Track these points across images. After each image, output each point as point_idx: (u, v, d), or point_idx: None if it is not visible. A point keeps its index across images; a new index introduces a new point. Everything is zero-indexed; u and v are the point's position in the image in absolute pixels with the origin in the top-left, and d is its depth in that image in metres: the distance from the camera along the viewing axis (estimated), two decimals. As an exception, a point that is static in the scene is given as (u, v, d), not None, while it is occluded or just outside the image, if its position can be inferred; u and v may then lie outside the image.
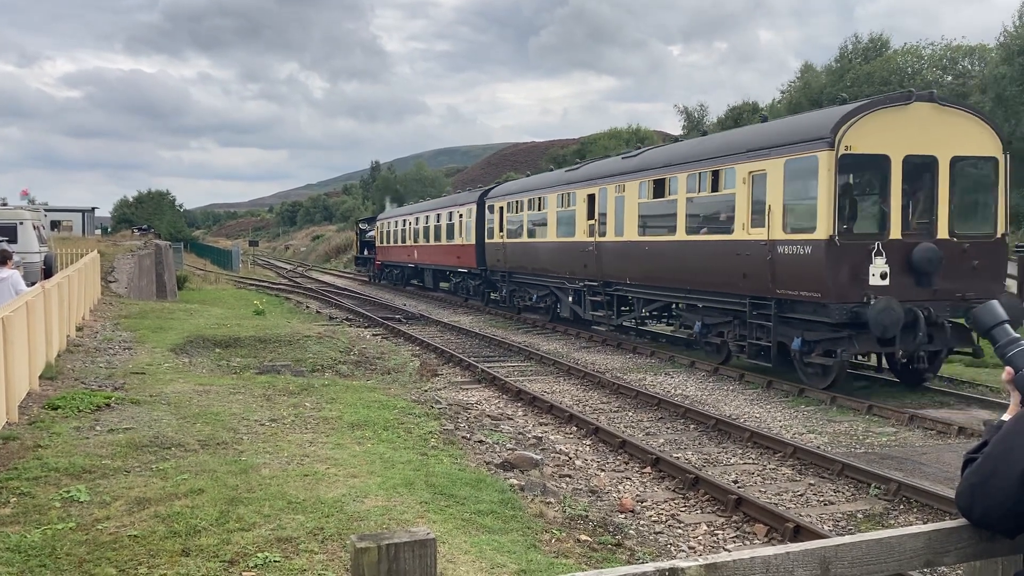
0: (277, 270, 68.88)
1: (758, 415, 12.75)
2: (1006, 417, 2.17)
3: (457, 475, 7.32)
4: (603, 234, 20.79)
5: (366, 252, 53.18)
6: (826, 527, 7.82)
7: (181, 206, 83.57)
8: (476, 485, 7.07)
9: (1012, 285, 21.29)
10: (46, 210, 37.34)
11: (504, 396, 14.11)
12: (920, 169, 13.66)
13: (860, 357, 15.51)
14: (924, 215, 13.89)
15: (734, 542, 7.58)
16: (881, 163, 13.37)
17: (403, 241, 41.77)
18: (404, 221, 41.73)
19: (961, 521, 2.17)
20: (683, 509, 8.44)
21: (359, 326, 24.26)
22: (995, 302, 2.29)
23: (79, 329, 15.65)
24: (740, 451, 10.65)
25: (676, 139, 24.09)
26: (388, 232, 45.09)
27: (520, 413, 12.83)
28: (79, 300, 16.30)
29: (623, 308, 21.22)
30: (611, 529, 7.27)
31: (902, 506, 8.46)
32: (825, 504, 8.63)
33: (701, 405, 13.28)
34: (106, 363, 12.52)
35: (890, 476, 8.95)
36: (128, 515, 5.75)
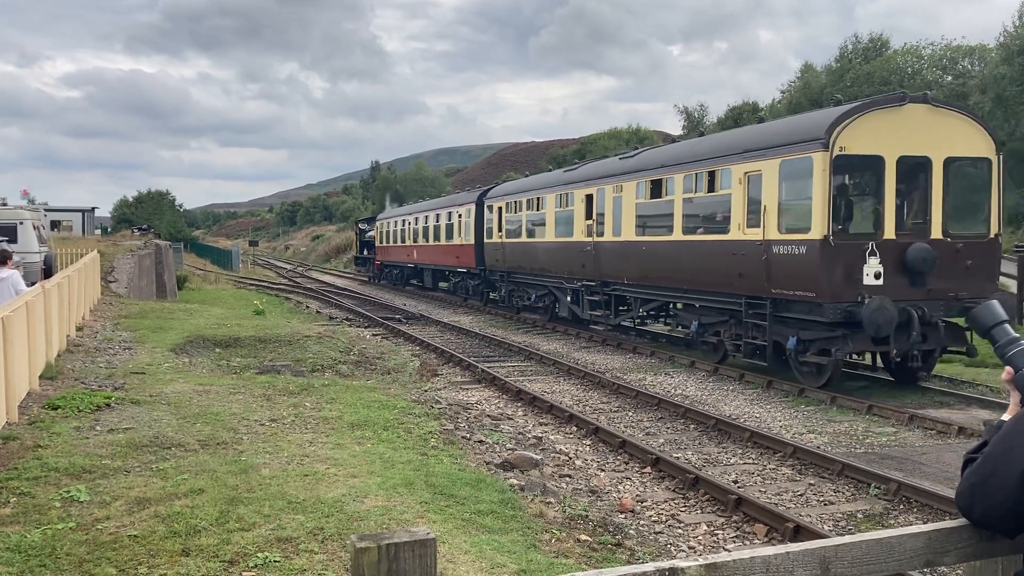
0: (277, 270, 68.89)
1: (758, 415, 12.76)
2: (1006, 417, 2.17)
3: (457, 475, 7.32)
4: (601, 234, 20.81)
5: (366, 252, 53.21)
6: (826, 527, 7.82)
7: (181, 206, 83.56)
8: (476, 485, 7.07)
9: (1012, 285, 21.31)
10: (46, 210, 37.37)
11: (504, 396, 14.11)
12: (914, 170, 13.76)
13: (855, 356, 15.60)
14: (918, 215, 13.97)
15: (734, 542, 7.59)
16: (875, 164, 13.47)
17: (402, 241, 41.78)
18: (403, 221, 41.74)
19: (961, 521, 2.17)
20: (683, 509, 8.44)
21: (359, 326, 24.26)
22: (995, 302, 2.29)
23: (79, 329, 15.65)
24: (740, 451, 10.66)
25: (675, 139, 24.13)
26: (388, 232, 45.11)
27: (520, 413, 12.83)
28: (79, 300, 16.30)
29: (621, 308, 21.27)
30: (611, 529, 7.27)
31: (902, 506, 8.46)
32: (825, 504, 8.63)
33: (701, 405, 13.28)
34: (106, 363, 12.52)
35: (890, 476, 8.95)
36: (128, 515, 5.75)
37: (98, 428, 8.27)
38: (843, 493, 8.95)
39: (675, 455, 10.28)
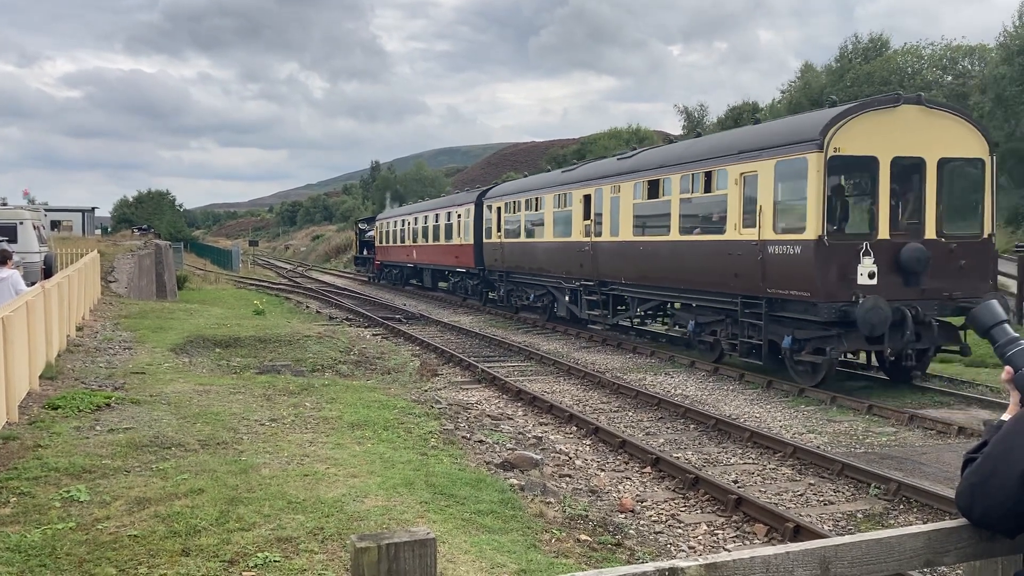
0: (277, 270, 68.89)
1: (758, 415, 12.76)
2: (1006, 417, 2.17)
3: (457, 475, 7.32)
4: (599, 234, 20.83)
5: (365, 252, 53.21)
6: (826, 527, 7.82)
7: (181, 206, 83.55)
8: (476, 485, 7.08)
9: (1012, 285, 21.32)
10: (46, 210, 37.34)
11: (504, 396, 14.11)
12: (908, 170, 13.83)
13: (851, 355, 15.63)
14: (912, 216, 14.05)
15: (734, 542, 7.59)
16: (869, 164, 13.53)
17: (402, 241, 41.79)
18: (403, 221, 41.76)
19: (961, 521, 2.17)
20: (683, 509, 8.44)
21: (359, 326, 24.26)
22: (994, 302, 2.29)
23: (79, 329, 15.65)
24: (740, 451, 10.66)
25: (673, 140, 24.17)
26: (387, 232, 45.12)
27: (520, 413, 12.83)
28: (79, 300, 16.30)
29: (619, 307, 21.33)
30: (611, 529, 7.27)
31: (902, 506, 8.46)
32: (825, 504, 8.63)
33: (701, 405, 13.29)
34: (106, 363, 12.52)
35: (890, 476, 8.96)
36: (128, 515, 5.75)
37: (98, 428, 8.27)
38: (843, 493, 8.96)
39: (675, 455, 10.28)
